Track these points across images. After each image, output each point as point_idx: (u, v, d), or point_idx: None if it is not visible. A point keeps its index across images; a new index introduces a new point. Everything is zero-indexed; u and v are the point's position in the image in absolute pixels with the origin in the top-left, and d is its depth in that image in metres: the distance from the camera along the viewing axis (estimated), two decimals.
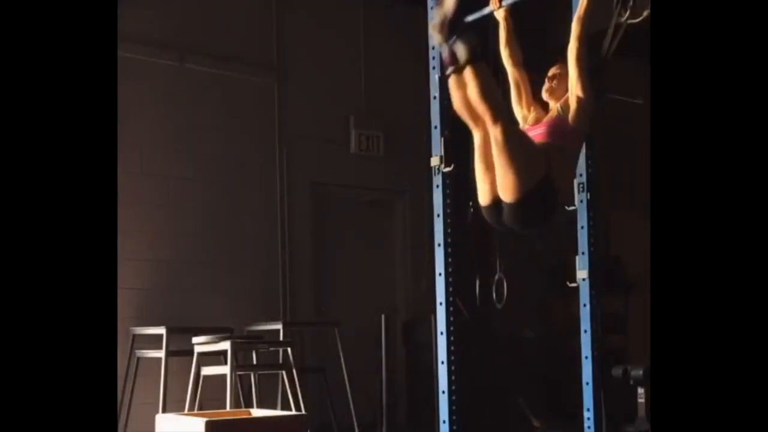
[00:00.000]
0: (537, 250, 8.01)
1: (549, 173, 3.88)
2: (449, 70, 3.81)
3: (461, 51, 3.75)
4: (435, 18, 3.79)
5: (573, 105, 4.07)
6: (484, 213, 4.02)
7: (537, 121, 4.21)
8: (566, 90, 4.16)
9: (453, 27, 3.70)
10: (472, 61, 3.73)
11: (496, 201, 3.91)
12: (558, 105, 4.15)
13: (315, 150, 7.61)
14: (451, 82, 3.87)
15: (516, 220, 3.91)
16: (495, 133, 3.73)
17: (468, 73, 3.74)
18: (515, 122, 4.07)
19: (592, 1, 4.01)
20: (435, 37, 3.85)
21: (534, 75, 4.36)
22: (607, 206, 7.49)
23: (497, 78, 4.00)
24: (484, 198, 3.96)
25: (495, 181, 3.86)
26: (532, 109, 4.30)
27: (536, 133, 4.11)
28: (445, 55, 3.84)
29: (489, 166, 3.87)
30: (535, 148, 3.95)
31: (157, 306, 6.66)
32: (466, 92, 3.79)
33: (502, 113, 3.78)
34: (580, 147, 4.29)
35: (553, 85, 4.21)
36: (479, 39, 3.85)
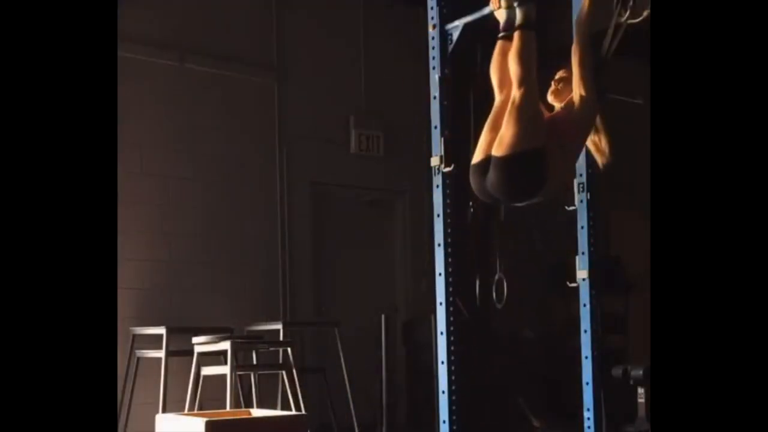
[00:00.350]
0: (537, 250, 8.02)
1: (545, 149, 3.90)
2: (501, 34, 4.00)
3: (519, 15, 3.91)
4: None
5: (576, 103, 4.07)
6: (471, 174, 4.02)
7: None
8: (571, 92, 4.16)
9: None
10: (524, 26, 3.89)
11: (487, 159, 3.93)
12: (561, 105, 4.15)
13: (315, 150, 7.61)
14: (498, 47, 4.09)
15: (499, 180, 3.87)
16: (516, 94, 3.84)
17: (516, 37, 3.88)
18: (537, 95, 4.10)
19: (593, 1, 4.01)
20: (494, 2, 3.99)
21: (539, 75, 4.36)
22: (607, 206, 7.48)
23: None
24: (477, 155, 4.00)
25: (494, 140, 3.91)
26: None
27: None
28: (502, 19, 4.02)
29: (495, 127, 3.95)
30: (543, 121, 4.01)
31: (157, 306, 6.66)
32: (505, 58, 3.97)
33: (530, 82, 3.88)
34: (581, 146, 4.29)
35: (559, 87, 4.21)
36: (537, 10, 3.96)
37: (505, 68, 3.99)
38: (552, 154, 3.97)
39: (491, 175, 3.92)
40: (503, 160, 3.87)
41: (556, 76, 4.25)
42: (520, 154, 3.84)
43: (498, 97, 4.09)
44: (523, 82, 3.86)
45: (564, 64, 4.25)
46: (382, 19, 8.11)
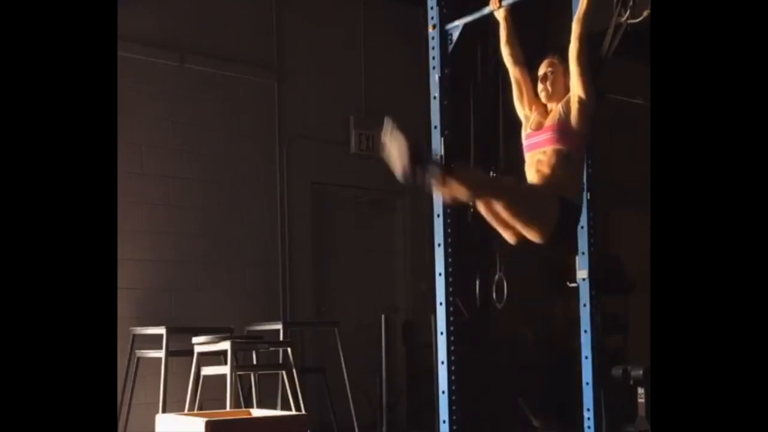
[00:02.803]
0: (537, 250, 8.00)
1: (562, 195, 3.92)
2: (433, 184, 3.79)
3: (433, 170, 3.72)
4: (395, 162, 3.65)
5: (575, 106, 4.03)
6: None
7: (539, 125, 4.16)
8: (564, 90, 4.13)
9: (415, 156, 3.61)
10: (447, 172, 3.76)
11: (525, 240, 3.99)
12: (560, 107, 4.11)
13: (315, 150, 7.61)
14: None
15: (552, 247, 4.05)
16: (501, 204, 3.83)
17: (451, 182, 3.78)
18: (517, 180, 4.19)
19: (592, 1, 4.00)
20: (403, 177, 3.67)
21: (535, 74, 4.35)
22: (607, 206, 7.48)
23: (496, 80, 4.04)
24: (511, 240, 4.06)
25: (515, 229, 3.95)
26: (533, 108, 4.28)
27: (543, 139, 4.08)
28: (422, 180, 3.77)
29: (505, 225, 3.98)
30: (540, 190, 4.03)
31: (157, 306, 6.66)
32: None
33: (501, 182, 4.11)
34: (585, 151, 4.28)
35: (548, 86, 4.17)
36: (431, 151, 4.08)
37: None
38: (566, 174, 4.03)
39: (542, 246, 4.04)
40: (547, 243, 3.98)
41: (540, 72, 4.21)
42: (556, 227, 3.96)
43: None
44: (496, 187, 3.96)
45: (546, 56, 4.23)
46: (382, 19, 8.11)
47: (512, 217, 3.85)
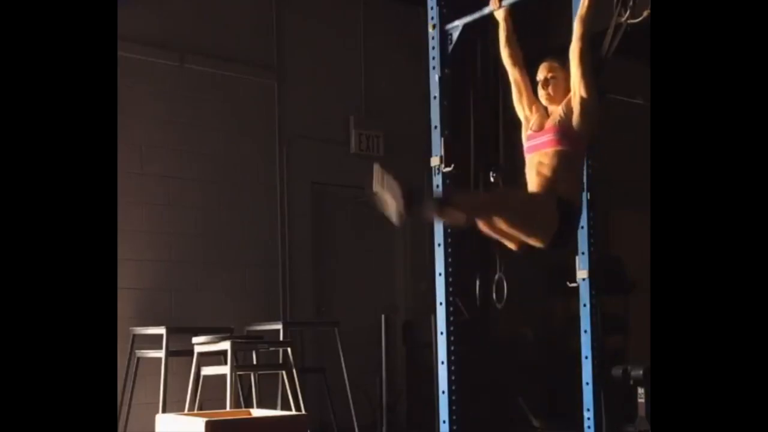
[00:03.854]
0: (537, 250, 7.99)
1: (560, 197, 3.92)
2: (431, 217, 3.89)
3: (432, 207, 3.80)
4: (390, 209, 3.66)
5: (576, 107, 4.02)
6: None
7: (540, 127, 4.15)
8: (565, 92, 4.12)
9: (410, 199, 3.61)
10: (444, 205, 3.85)
11: (527, 245, 3.99)
12: (560, 108, 4.10)
13: (315, 150, 7.61)
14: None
15: (555, 249, 4.04)
16: (501, 220, 3.86)
17: (449, 212, 3.85)
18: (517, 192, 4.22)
19: (593, 1, 3.99)
20: (399, 221, 3.69)
21: (535, 74, 4.35)
22: (607, 206, 7.48)
23: (496, 80, 4.05)
24: (513, 247, 4.08)
25: (517, 238, 3.95)
26: (534, 109, 4.26)
27: (544, 140, 4.07)
28: (419, 217, 3.84)
29: (507, 235, 3.99)
30: (539, 198, 4.02)
31: (157, 306, 6.66)
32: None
33: (498, 198, 4.10)
34: (585, 151, 4.28)
35: (550, 92, 4.15)
36: (426, 190, 4.08)
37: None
38: (566, 176, 4.03)
39: (544, 250, 4.03)
40: (550, 246, 3.99)
41: (540, 77, 4.19)
42: (557, 232, 3.98)
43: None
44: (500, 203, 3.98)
45: (546, 59, 4.22)
46: (382, 19, 8.11)
47: (512, 229, 3.87)
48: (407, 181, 3.64)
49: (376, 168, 3.65)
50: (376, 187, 3.63)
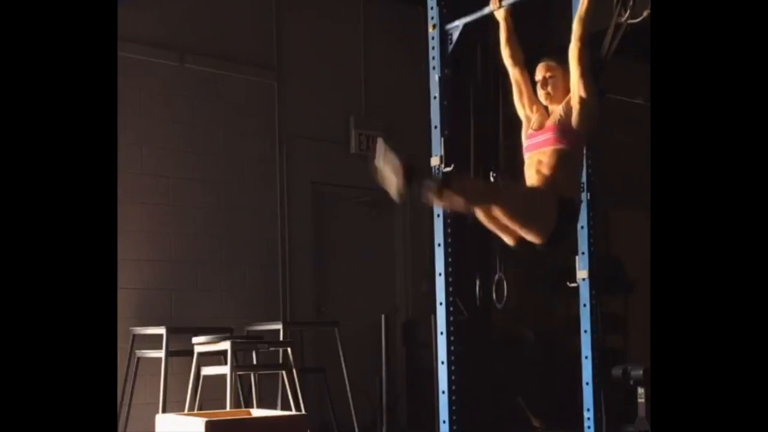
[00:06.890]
0: (537, 250, 7.99)
1: (561, 196, 3.92)
2: (430, 198, 3.79)
3: (431, 185, 3.73)
4: (390, 183, 3.63)
5: (576, 107, 4.02)
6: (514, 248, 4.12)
7: (541, 126, 4.16)
8: (564, 92, 4.12)
9: (409, 175, 3.59)
10: (443, 186, 3.76)
11: (524, 241, 3.98)
12: (561, 107, 4.11)
13: (315, 150, 7.61)
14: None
15: (552, 248, 4.02)
16: (499, 210, 3.83)
17: (448, 194, 3.78)
18: (511, 179, 4.22)
19: (592, 0, 3.99)
20: (398, 196, 3.65)
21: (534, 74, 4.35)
22: (607, 206, 7.48)
23: (496, 79, 4.05)
24: (510, 242, 4.03)
25: (515, 231, 3.93)
26: (534, 108, 4.27)
27: (544, 139, 4.07)
28: (418, 196, 3.76)
29: (504, 228, 3.97)
30: (538, 192, 4.01)
31: (157, 306, 6.66)
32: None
33: (498, 188, 4.14)
34: (584, 150, 4.28)
35: (549, 91, 4.16)
36: (425, 167, 4.04)
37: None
38: (566, 175, 4.03)
39: (541, 248, 4.02)
40: (547, 243, 3.98)
41: (539, 76, 4.20)
42: (555, 229, 3.97)
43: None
44: (495, 193, 4.01)
45: (543, 58, 4.22)
46: (382, 19, 8.11)
47: (511, 221, 3.85)
48: (409, 159, 3.61)
49: (380, 142, 3.64)
50: (378, 161, 3.62)
